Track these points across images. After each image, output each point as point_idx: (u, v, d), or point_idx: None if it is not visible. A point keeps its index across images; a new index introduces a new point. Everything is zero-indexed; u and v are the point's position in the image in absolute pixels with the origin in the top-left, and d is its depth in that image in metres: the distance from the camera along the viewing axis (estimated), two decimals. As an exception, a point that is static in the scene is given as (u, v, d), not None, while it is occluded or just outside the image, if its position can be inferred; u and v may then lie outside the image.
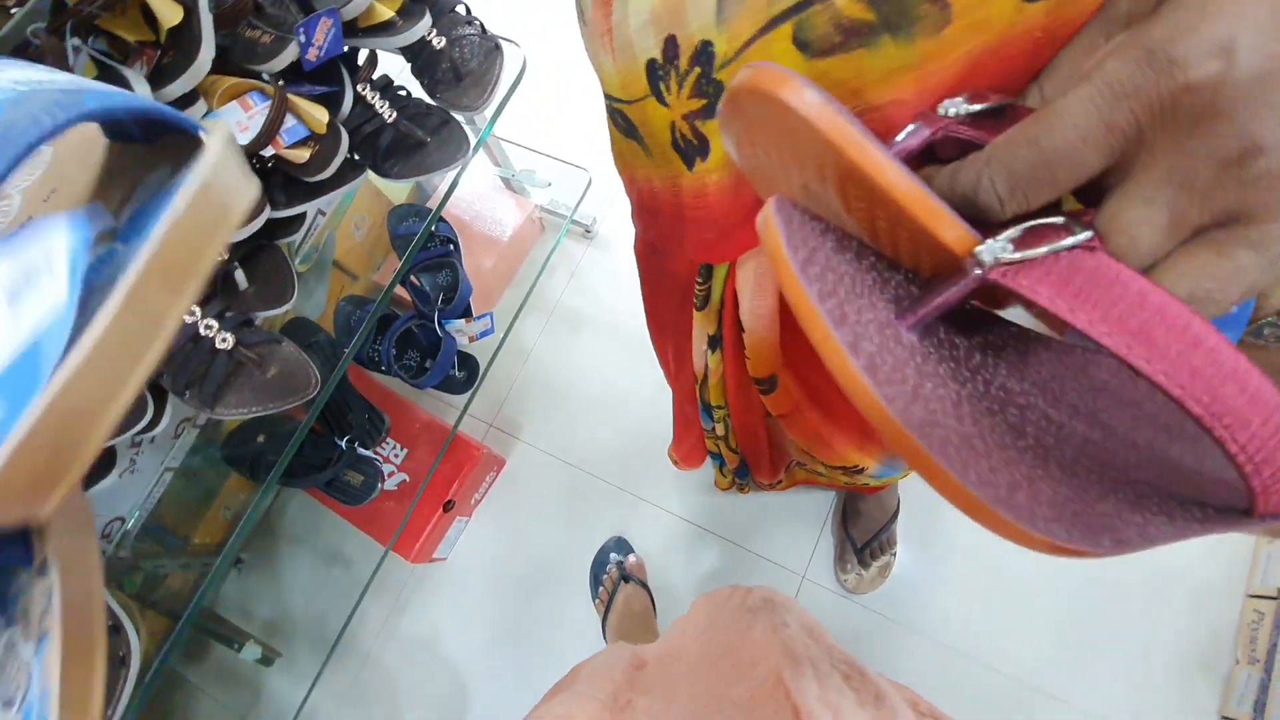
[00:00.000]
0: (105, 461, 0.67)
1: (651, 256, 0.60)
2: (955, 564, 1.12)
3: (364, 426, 0.95)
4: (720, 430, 0.79)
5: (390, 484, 1.11)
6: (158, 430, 0.68)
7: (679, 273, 0.57)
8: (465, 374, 0.98)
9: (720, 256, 0.47)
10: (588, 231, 1.36)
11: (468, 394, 1.00)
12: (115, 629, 0.65)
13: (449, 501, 1.12)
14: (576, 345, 1.31)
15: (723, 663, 0.45)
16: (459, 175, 0.88)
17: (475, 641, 1.17)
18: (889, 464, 0.75)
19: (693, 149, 0.37)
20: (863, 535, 1.09)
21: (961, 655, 1.07)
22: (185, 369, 0.66)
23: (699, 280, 0.53)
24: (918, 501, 1.14)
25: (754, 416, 0.72)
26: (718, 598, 0.57)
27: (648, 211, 0.48)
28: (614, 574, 1.10)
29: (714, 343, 0.58)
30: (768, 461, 0.93)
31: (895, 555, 1.11)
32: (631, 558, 1.13)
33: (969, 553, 1.12)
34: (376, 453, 1.05)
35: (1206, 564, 1.08)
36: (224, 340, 0.66)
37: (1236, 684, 1.02)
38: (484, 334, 1.00)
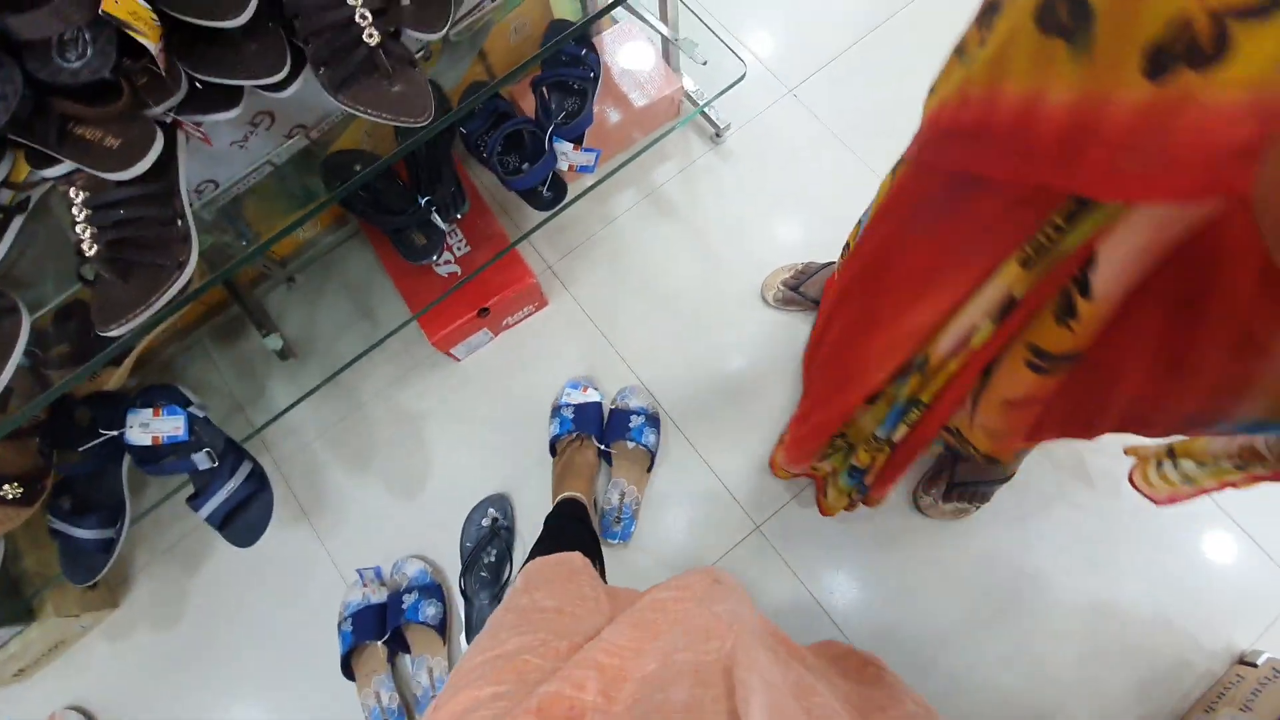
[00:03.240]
0: (229, 98, 0.73)
1: (951, 198, 0.51)
2: (1023, 535, 1.12)
3: (447, 197, 1.01)
4: (899, 435, 0.74)
5: (442, 269, 1.17)
6: (287, 91, 0.74)
7: (983, 216, 0.48)
8: (552, 195, 1.01)
9: (1149, 191, 0.36)
10: (717, 135, 1.36)
11: (546, 214, 1.03)
12: (184, 238, 0.72)
13: (484, 308, 1.18)
14: (658, 235, 1.33)
15: (675, 629, 0.49)
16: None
17: (455, 436, 1.25)
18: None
19: (1199, 54, 0.31)
20: (966, 474, 1.08)
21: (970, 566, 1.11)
22: (330, 47, 0.71)
23: (1047, 231, 0.45)
24: (1037, 486, 1.13)
25: (948, 410, 0.66)
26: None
27: (1007, 135, 0.40)
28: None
29: (1006, 309, 0.50)
30: (905, 466, 0.87)
31: (977, 509, 1.11)
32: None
33: (1032, 541, 1.11)
34: (447, 237, 1.10)
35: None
36: (370, 36, 0.70)
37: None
38: (584, 169, 1.03)
